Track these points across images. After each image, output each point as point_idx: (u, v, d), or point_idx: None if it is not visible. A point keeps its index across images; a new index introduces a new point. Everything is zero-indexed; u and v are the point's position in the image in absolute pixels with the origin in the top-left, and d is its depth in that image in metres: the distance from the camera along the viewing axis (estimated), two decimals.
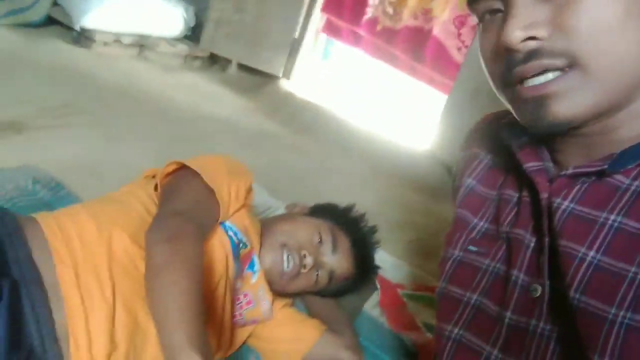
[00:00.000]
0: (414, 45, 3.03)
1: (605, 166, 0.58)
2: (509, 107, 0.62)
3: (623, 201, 0.57)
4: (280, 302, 1.11)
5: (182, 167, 0.99)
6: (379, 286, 1.42)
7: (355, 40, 3.24)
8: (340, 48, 3.42)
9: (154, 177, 1.04)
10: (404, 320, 1.34)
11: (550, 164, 0.65)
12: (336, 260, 1.12)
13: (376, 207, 2.06)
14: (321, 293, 1.18)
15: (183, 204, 0.89)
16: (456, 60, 2.91)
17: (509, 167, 0.71)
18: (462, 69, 2.83)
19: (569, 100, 0.56)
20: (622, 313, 0.53)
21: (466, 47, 2.90)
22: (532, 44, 0.55)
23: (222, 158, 1.06)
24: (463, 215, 0.75)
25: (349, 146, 2.70)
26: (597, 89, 0.55)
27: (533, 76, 0.56)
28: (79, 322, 0.76)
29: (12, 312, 0.70)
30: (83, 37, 2.91)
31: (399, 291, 1.45)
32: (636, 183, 0.57)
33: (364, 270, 1.21)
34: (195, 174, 0.95)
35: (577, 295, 0.56)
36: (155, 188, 1.00)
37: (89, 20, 2.88)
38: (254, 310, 1.02)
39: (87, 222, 0.86)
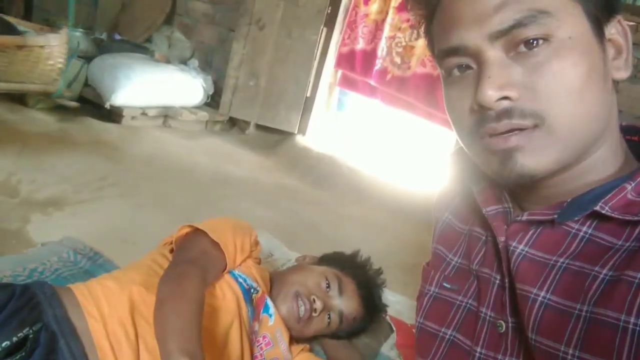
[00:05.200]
0: (425, 91, 3.16)
1: (555, 216, 0.61)
2: (475, 158, 0.65)
3: (572, 247, 0.60)
4: (298, 348, 1.20)
5: (193, 229, 1.13)
6: (395, 328, 1.50)
7: (371, 91, 3.41)
8: (355, 100, 3.59)
9: (171, 243, 1.19)
10: None
11: (509, 206, 0.68)
12: (344, 302, 1.22)
13: (391, 251, 2.16)
14: (337, 335, 1.27)
15: (190, 254, 1.04)
16: None
17: (477, 204, 0.72)
18: None
19: (535, 155, 0.59)
20: (570, 351, 0.55)
21: None
22: (504, 103, 0.58)
23: (227, 219, 1.21)
24: (439, 251, 0.78)
25: (364, 195, 2.82)
26: (560, 146, 0.59)
27: (504, 133, 0.59)
28: None
29: (46, 359, 0.83)
30: (113, 114, 3.16)
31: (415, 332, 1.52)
32: (584, 229, 0.60)
33: (371, 309, 1.30)
34: (203, 233, 1.09)
35: (533, 336, 0.59)
36: (171, 251, 1.15)
37: (118, 97, 3.13)
38: (273, 350, 1.12)
39: (110, 284, 1.01)
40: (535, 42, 0.56)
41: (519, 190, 0.68)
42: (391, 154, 3.36)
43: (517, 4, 0.56)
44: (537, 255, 0.62)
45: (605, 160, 0.63)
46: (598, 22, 0.58)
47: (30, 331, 0.84)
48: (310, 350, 1.26)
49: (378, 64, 3.34)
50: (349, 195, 2.80)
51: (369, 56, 3.36)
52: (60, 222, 1.78)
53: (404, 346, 1.45)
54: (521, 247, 0.63)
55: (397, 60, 3.29)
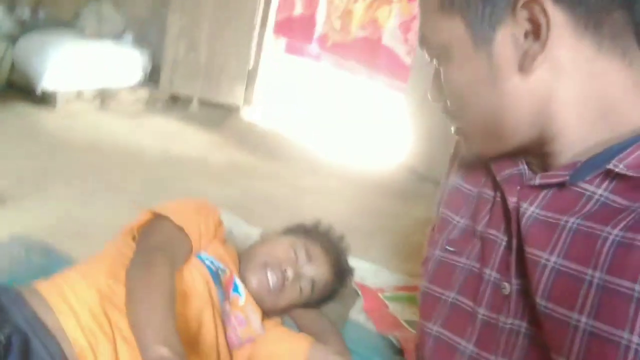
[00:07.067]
0: (366, 55, 3.17)
1: (567, 177, 0.60)
2: None
3: (586, 208, 0.58)
4: (271, 323, 1.22)
5: (154, 215, 1.11)
6: (360, 293, 1.54)
7: (317, 55, 3.38)
8: (300, 69, 3.55)
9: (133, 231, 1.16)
10: (389, 321, 1.45)
11: (524, 167, 0.68)
12: (313, 268, 1.24)
13: (350, 219, 2.19)
14: (309, 303, 1.29)
15: (155, 240, 1.03)
16: (407, 65, 3.06)
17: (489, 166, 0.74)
18: (412, 71, 2.97)
19: (467, 145, 0.70)
20: (583, 319, 0.55)
21: (414, 50, 3.05)
22: (440, 102, 0.68)
23: (188, 200, 1.20)
24: (445, 216, 0.79)
25: (316, 164, 2.83)
26: (478, 141, 0.67)
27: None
28: (89, 358, 0.88)
29: None
30: (45, 98, 2.98)
31: (380, 295, 1.57)
32: (599, 191, 0.58)
33: (340, 272, 1.33)
34: (166, 218, 1.07)
35: (543, 302, 0.59)
36: (134, 239, 1.12)
37: (49, 80, 2.95)
38: (247, 329, 1.13)
39: (76, 278, 0.98)
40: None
41: (526, 156, 0.68)
42: (339, 121, 3.37)
43: (419, 29, 0.66)
44: (548, 216, 0.61)
45: (589, 130, 0.61)
46: (479, 28, 0.59)
47: (1, 336, 0.81)
48: (282, 324, 1.27)
49: (318, 30, 3.31)
50: (302, 166, 2.80)
51: (308, 22, 3.32)
52: (4, 219, 1.69)
53: (372, 310, 1.50)
54: (532, 208, 0.63)
55: (337, 25, 3.27)
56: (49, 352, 0.85)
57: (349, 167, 2.83)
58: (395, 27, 3.10)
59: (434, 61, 0.66)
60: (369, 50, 3.17)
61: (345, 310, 1.47)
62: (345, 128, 3.31)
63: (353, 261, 1.60)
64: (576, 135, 0.61)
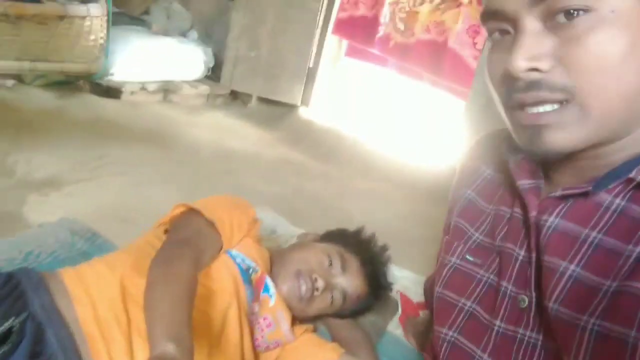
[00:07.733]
0: (429, 58, 3.08)
1: (590, 188, 0.60)
2: (509, 127, 0.65)
3: (604, 219, 0.59)
4: (301, 328, 1.17)
5: (187, 209, 1.09)
6: (400, 307, 1.47)
7: (382, 59, 3.31)
8: (360, 70, 3.50)
9: (165, 224, 1.15)
10: None
11: (542, 182, 0.67)
12: (346, 280, 1.18)
13: (398, 225, 2.12)
14: (341, 314, 1.24)
15: (183, 234, 1.00)
16: (472, 69, 2.94)
17: (506, 182, 0.74)
18: (476, 76, 2.86)
19: (564, 133, 0.58)
20: (592, 320, 0.56)
21: (480, 54, 2.93)
22: (534, 74, 0.57)
23: (223, 197, 1.17)
24: (460, 225, 0.79)
25: (370, 168, 2.77)
26: (591, 125, 0.57)
27: (531, 105, 0.58)
28: (102, 353, 0.87)
29: (32, 351, 0.80)
30: (112, 89, 3.10)
31: (420, 312, 1.49)
32: (617, 201, 0.59)
33: (376, 287, 1.26)
34: (197, 212, 1.05)
35: (556, 306, 0.60)
36: (166, 232, 1.11)
37: (116, 72, 3.07)
38: (275, 332, 1.09)
39: (101, 268, 0.98)
40: (575, 12, 0.54)
41: (555, 161, 0.65)
42: (397, 125, 3.29)
43: None
44: (569, 227, 0.61)
45: None
46: None
47: (16, 322, 0.81)
48: (315, 330, 1.23)
49: (380, 31, 3.25)
50: (355, 169, 2.75)
51: (371, 23, 3.27)
52: (57, 203, 1.75)
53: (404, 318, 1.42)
54: (552, 219, 0.63)
55: (400, 26, 3.19)
56: (61, 342, 0.84)
57: (402, 171, 2.75)
58: (463, 30, 2.98)
59: (562, 20, 0.55)
60: (433, 52, 3.07)
61: (382, 322, 1.41)
62: (403, 131, 3.23)
63: (396, 270, 1.54)
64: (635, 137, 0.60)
